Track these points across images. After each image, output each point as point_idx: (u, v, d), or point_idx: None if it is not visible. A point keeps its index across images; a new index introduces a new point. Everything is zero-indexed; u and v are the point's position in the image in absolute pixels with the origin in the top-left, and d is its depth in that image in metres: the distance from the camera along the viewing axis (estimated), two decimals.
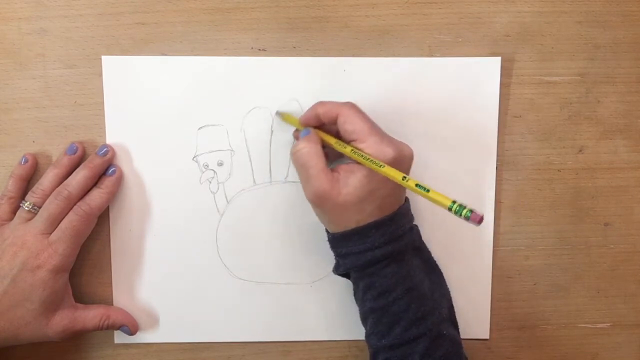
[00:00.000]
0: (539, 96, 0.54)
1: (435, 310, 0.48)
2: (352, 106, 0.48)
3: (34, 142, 0.52)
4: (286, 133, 0.53)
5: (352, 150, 0.46)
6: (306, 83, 0.52)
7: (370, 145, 0.46)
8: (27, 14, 0.51)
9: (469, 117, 0.53)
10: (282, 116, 0.52)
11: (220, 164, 0.53)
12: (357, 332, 0.55)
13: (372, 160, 0.45)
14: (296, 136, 0.52)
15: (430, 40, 0.53)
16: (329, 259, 0.54)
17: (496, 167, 0.54)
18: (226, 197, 0.53)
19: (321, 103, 0.49)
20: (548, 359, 0.57)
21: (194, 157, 0.53)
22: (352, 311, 0.55)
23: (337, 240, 0.48)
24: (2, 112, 0.52)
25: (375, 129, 0.47)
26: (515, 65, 0.53)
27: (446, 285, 0.51)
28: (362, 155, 0.45)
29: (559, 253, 0.56)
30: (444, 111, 0.53)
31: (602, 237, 0.56)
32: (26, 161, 0.52)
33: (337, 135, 0.48)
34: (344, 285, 0.54)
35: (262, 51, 0.52)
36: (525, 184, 0.55)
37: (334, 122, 0.48)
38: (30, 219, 0.49)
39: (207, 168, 0.53)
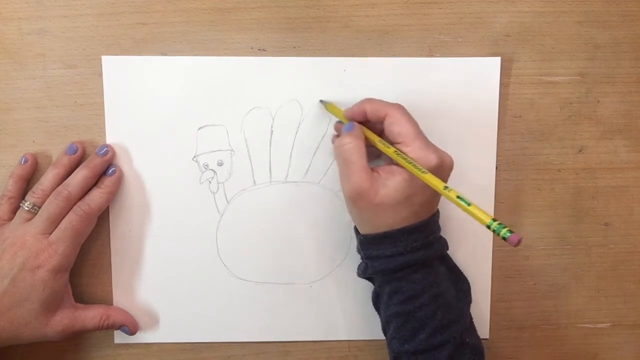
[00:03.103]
0: (539, 96, 0.54)
1: (460, 318, 0.48)
2: (401, 108, 0.48)
3: (34, 142, 0.53)
4: (286, 133, 0.53)
5: (396, 151, 0.46)
6: (306, 83, 0.52)
7: (414, 150, 0.45)
8: (27, 14, 0.51)
9: (468, 117, 0.53)
10: (326, 105, 0.52)
11: (220, 164, 0.53)
12: (357, 332, 0.55)
13: (414, 165, 0.44)
14: (337, 128, 0.52)
15: (430, 40, 0.53)
16: (329, 259, 0.54)
17: (496, 167, 0.54)
18: (226, 197, 0.53)
19: (369, 100, 0.49)
20: (548, 359, 0.57)
21: (194, 157, 0.53)
22: (352, 311, 0.55)
23: (368, 242, 0.48)
24: (2, 112, 0.52)
25: (421, 134, 0.47)
26: (515, 65, 0.53)
27: (470, 295, 0.51)
28: (405, 159, 0.45)
29: (559, 253, 0.56)
30: (443, 111, 0.53)
31: (602, 237, 0.56)
32: (26, 161, 0.52)
33: (380, 134, 0.48)
34: (344, 285, 0.54)
35: (262, 51, 0.52)
36: (525, 184, 0.55)
37: (380, 121, 0.48)
38: (30, 219, 0.49)
39: (207, 168, 0.53)
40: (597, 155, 0.55)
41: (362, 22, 0.52)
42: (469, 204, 0.42)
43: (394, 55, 0.53)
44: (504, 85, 0.53)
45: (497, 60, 0.53)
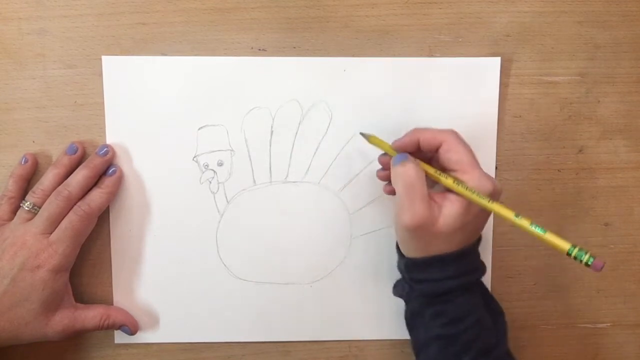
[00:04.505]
0: (539, 96, 0.54)
1: (500, 342, 0.47)
2: (455, 134, 0.46)
3: (34, 142, 0.53)
4: (286, 133, 0.53)
5: (455, 181, 0.45)
6: (306, 83, 0.52)
7: (473, 178, 0.44)
8: (27, 14, 0.51)
9: (468, 117, 0.53)
10: (369, 138, 0.49)
11: (220, 164, 0.53)
12: (357, 332, 0.55)
13: (478, 195, 0.44)
14: (382, 161, 0.50)
15: (430, 40, 0.53)
16: (329, 259, 0.54)
17: (496, 167, 0.54)
18: (226, 197, 0.53)
19: (420, 130, 0.47)
20: (548, 359, 0.57)
21: (194, 157, 0.53)
22: (352, 311, 0.55)
23: (415, 265, 0.47)
24: (2, 112, 0.52)
25: (476, 160, 0.46)
26: (515, 65, 0.53)
27: (504, 319, 0.49)
28: (466, 188, 0.44)
29: (559, 253, 0.56)
30: (443, 111, 0.53)
31: (602, 237, 0.56)
32: (26, 161, 0.52)
33: (429, 163, 0.47)
34: (344, 285, 0.54)
35: (262, 51, 0.52)
36: (525, 184, 0.55)
37: (434, 150, 0.46)
38: (30, 219, 0.49)
39: (207, 168, 0.53)
40: (597, 155, 0.55)
41: (362, 22, 0.52)
42: (544, 232, 0.41)
43: (394, 55, 0.53)
44: (504, 85, 0.53)
45: (497, 60, 0.53)
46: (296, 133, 0.53)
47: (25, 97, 0.52)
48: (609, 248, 0.56)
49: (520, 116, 0.54)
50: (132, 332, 0.53)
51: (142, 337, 0.54)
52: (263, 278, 0.54)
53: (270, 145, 0.53)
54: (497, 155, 0.54)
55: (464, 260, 0.46)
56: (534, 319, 0.56)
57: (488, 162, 0.54)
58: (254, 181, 0.53)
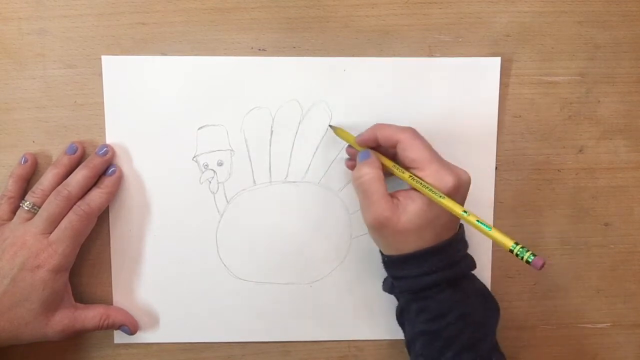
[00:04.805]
0: (539, 96, 0.54)
1: (487, 337, 0.47)
2: (412, 132, 0.47)
3: (34, 142, 0.53)
4: (286, 133, 0.53)
5: (411, 177, 0.46)
6: (306, 83, 0.52)
7: (430, 174, 0.45)
8: (27, 14, 0.51)
9: (468, 117, 0.53)
10: (336, 130, 0.51)
11: (220, 164, 0.53)
12: (357, 332, 0.55)
13: (432, 190, 0.44)
14: (350, 152, 0.52)
15: (430, 40, 0.53)
16: (329, 259, 0.54)
17: (496, 167, 0.54)
18: (226, 197, 0.53)
19: (380, 126, 0.48)
20: (548, 359, 0.57)
21: (194, 157, 0.53)
22: (352, 311, 0.55)
23: (393, 263, 0.48)
24: (2, 112, 0.52)
25: (435, 156, 0.46)
26: (515, 65, 0.53)
27: (499, 314, 0.50)
28: (421, 184, 0.45)
29: (559, 253, 0.56)
30: (443, 111, 0.53)
31: (602, 237, 0.56)
32: (26, 161, 0.52)
33: (394, 157, 0.48)
34: (344, 285, 0.54)
35: (262, 51, 0.52)
36: (525, 184, 0.55)
37: (393, 146, 0.47)
38: (30, 219, 0.49)
39: (207, 168, 0.53)
40: (597, 155, 0.55)
41: (362, 22, 0.52)
42: (490, 228, 0.42)
43: (394, 55, 0.53)
44: (504, 85, 0.53)
45: (497, 60, 0.53)
46: (296, 133, 0.53)
47: (25, 97, 0.52)
48: (609, 248, 0.56)
49: (520, 116, 0.54)
50: (131, 332, 0.53)
51: (142, 337, 0.54)
52: (263, 278, 0.54)
53: (270, 145, 0.53)
54: (497, 155, 0.54)
55: (440, 256, 0.46)
56: (534, 319, 0.56)
57: (488, 162, 0.54)
58: (254, 181, 0.53)
